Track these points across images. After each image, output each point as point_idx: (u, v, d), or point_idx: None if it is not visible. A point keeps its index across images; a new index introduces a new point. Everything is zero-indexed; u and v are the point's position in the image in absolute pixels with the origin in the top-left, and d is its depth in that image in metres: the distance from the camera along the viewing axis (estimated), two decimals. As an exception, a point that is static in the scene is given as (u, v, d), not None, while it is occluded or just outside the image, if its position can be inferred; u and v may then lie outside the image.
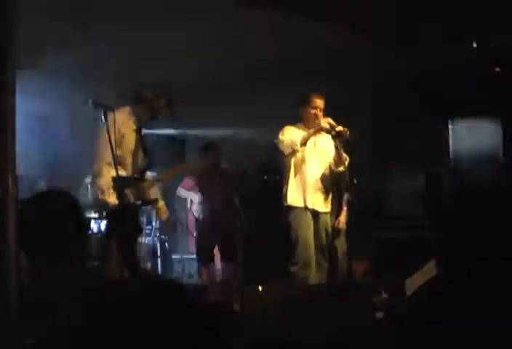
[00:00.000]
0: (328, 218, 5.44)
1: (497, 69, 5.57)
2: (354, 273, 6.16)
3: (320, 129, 5.12)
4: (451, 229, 5.90)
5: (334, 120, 5.14)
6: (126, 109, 4.75)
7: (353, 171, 5.20)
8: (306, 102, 5.29)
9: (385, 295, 5.34)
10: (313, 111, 5.27)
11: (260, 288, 3.86)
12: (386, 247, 6.19)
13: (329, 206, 5.44)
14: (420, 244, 5.79)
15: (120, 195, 4.47)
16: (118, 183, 4.42)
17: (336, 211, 5.97)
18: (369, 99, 7.23)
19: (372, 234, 6.40)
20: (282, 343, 3.49)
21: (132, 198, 4.64)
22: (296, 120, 5.43)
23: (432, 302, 4.12)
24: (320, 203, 5.31)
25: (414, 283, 4.43)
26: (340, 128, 5.03)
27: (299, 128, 5.35)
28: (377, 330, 3.99)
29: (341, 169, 5.28)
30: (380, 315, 4.56)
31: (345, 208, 5.81)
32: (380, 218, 6.61)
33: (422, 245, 5.74)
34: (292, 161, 5.25)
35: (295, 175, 5.26)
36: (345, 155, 5.20)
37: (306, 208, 5.24)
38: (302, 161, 5.26)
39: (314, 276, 5.22)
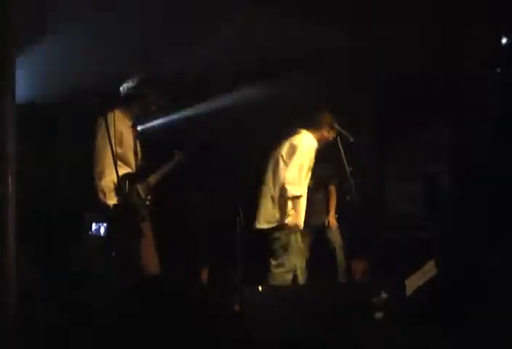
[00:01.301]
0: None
1: (498, 69, 5.57)
2: (354, 273, 6.17)
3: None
4: (451, 229, 5.90)
5: (335, 120, 5.14)
6: (120, 107, 4.76)
7: (353, 170, 5.20)
8: (328, 125, 5.28)
9: (385, 295, 5.34)
10: (330, 137, 5.29)
11: (260, 288, 3.86)
12: (386, 247, 6.19)
13: None
14: (420, 244, 5.79)
15: (130, 193, 4.49)
16: (127, 180, 4.44)
17: (326, 211, 6.07)
18: (369, 99, 7.22)
19: (372, 234, 6.40)
20: (282, 343, 3.49)
21: (142, 194, 4.67)
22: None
23: (432, 302, 4.13)
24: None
25: (414, 283, 4.44)
26: None
27: (314, 142, 5.32)
28: (377, 330, 3.99)
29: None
30: (379, 315, 4.57)
31: (333, 207, 6.03)
32: (380, 218, 6.61)
33: (422, 245, 5.74)
34: None
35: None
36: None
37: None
38: None
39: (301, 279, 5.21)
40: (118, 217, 4.44)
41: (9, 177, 3.75)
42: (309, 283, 5.23)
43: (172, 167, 4.99)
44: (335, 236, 6.04)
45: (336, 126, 5.17)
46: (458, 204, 6.21)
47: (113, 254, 4.58)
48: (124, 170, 4.57)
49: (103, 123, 4.21)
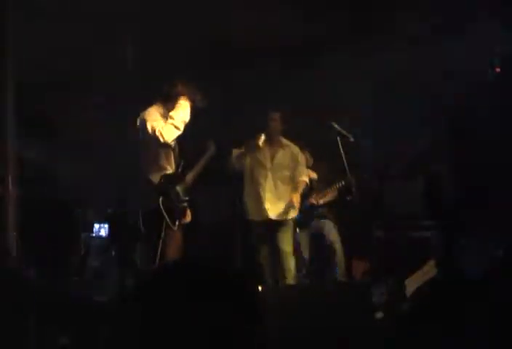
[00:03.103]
0: None
1: (498, 69, 5.57)
2: (354, 273, 6.17)
3: None
4: (451, 229, 5.89)
5: (335, 120, 5.14)
6: (159, 105, 4.68)
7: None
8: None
9: (385, 295, 5.34)
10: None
11: (260, 288, 3.86)
12: (386, 247, 6.19)
13: None
14: (420, 244, 5.79)
15: (169, 193, 4.47)
16: (168, 181, 4.47)
17: None
18: (369, 98, 7.22)
19: (372, 234, 6.40)
20: (282, 343, 3.49)
21: (182, 195, 4.61)
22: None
23: (432, 302, 4.13)
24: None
25: (414, 283, 4.44)
26: None
27: None
28: (377, 330, 3.98)
29: None
30: (379, 315, 4.57)
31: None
32: (380, 218, 6.61)
33: (422, 245, 5.74)
34: None
35: None
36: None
37: None
38: None
39: None
40: (152, 220, 4.40)
41: (9, 177, 3.75)
42: (309, 283, 5.23)
43: (207, 161, 4.96)
44: (335, 236, 6.06)
45: (336, 126, 5.14)
46: (458, 204, 6.20)
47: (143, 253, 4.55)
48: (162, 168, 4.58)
49: (144, 119, 4.27)
